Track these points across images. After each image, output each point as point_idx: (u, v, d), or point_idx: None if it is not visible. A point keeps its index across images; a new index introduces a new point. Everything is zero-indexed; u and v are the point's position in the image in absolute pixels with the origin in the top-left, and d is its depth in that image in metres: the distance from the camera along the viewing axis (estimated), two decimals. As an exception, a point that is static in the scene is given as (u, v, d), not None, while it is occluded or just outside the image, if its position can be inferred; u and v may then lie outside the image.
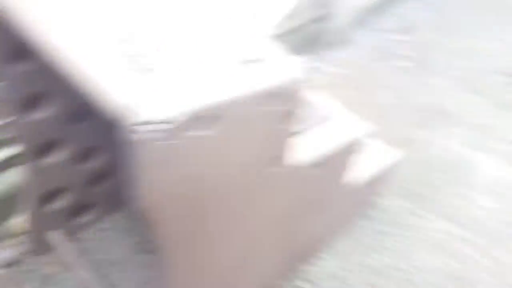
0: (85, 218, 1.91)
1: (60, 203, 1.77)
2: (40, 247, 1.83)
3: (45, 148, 1.59)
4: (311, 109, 1.62)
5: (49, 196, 1.73)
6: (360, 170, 1.85)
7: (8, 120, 1.51)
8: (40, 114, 1.50)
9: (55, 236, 1.82)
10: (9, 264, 1.80)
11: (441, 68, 3.38)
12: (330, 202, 1.73)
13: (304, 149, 1.39)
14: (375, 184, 1.97)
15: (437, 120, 2.92)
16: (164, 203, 0.93)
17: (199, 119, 0.82)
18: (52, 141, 1.59)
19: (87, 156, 1.71)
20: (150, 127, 0.77)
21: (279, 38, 2.69)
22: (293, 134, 1.37)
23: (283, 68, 0.99)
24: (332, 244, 2.09)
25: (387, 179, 2.13)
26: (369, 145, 2.04)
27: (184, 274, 1.17)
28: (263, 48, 1.04)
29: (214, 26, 1.10)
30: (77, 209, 1.86)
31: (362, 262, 2.05)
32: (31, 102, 1.46)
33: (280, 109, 1.07)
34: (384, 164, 1.95)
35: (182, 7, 1.14)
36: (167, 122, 0.77)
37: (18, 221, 1.87)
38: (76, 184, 1.77)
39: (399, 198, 2.34)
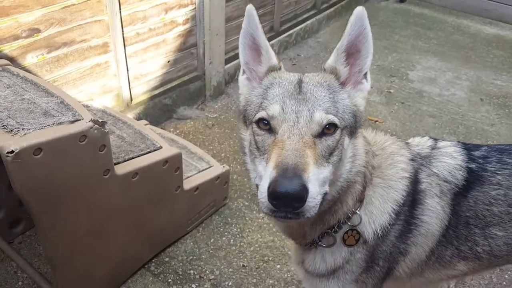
0: (17, 229, 2.79)
1: (-1, 218, 2.65)
2: (-12, 248, 2.70)
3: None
4: (145, 140, 2.56)
5: (-10, 214, 2.62)
6: (190, 181, 2.78)
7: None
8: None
9: (-3, 241, 2.69)
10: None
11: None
12: (164, 201, 2.61)
13: (131, 164, 2.31)
14: (204, 189, 2.86)
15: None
16: (28, 193, 1.84)
17: (30, 149, 1.73)
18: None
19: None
20: (9, 154, 1.69)
21: (165, 95, 3.68)
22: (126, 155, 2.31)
23: (85, 122, 1.93)
24: (192, 233, 2.99)
25: (215, 187, 2.97)
26: (202, 166, 2.96)
27: (54, 238, 2.05)
28: (79, 112, 1.99)
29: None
30: (11, 222, 2.75)
31: (211, 242, 2.93)
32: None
33: (96, 142, 2.00)
34: (209, 177, 2.87)
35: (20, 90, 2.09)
36: (14, 151, 1.68)
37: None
38: (8, 204, 2.65)
39: (239, 198, 3.26)
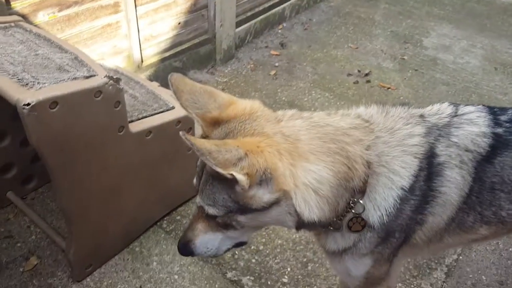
0: (29, 185, 2.85)
1: (11, 174, 2.70)
2: (2, 203, 2.77)
3: (-2, 137, 2.53)
4: (158, 100, 2.57)
5: (4, 170, 2.66)
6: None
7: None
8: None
9: (11, 196, 2.74)
10: (-17, 215, 2.73)
11: (304, 74, 4.34)
12: (176, 161, 2.63)
13: (145, 123, 2.34)
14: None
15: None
16: (44, 146, 1.87)
17: (46, 102, 1.75)
18: (1, 133, 2.52)
19: (26, 142, 2.62)
20: (26, 107, 1.71)
21: (176, 58, 3.67)
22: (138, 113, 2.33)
23: (100, 78, 1.94)
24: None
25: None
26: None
27: (69, 192, 2.09)
28: (94, 68, 2.00)
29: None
30: (24, 178, 2.80)
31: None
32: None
33: (111, 99, 2.01)
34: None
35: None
36: (30, 104, 1.70)
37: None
38: (20, 161, 2.70)
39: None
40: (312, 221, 1.36)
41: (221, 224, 1.43)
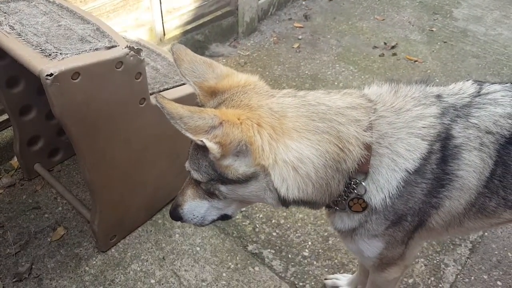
0: (55, 157, 2.92)
1: (38, 146, 2.77)
2: (30, 175, 2.85)
3: (23, 111, 2.58)
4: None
5: (31, 142, 2.73)
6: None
7: None
8: (18, 89, 2.48)
9: (38, 168, 2.82)
10: (11, 186, 2.82)
11: (328, 47, 4.26)
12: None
13: (166, 95, 2.34)
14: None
15: (309, 83, 3.80)
16: (66, 117, 1.90)
17: (68, 73, 1.77)
18: (28, 106, 2.58)
19: (52, 116, 2.67)
20: (49, 77, 1.73)
21: (198, 30, 3.64)
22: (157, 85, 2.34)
23: (122, 48, 1.94)
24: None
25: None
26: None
27: (92, 163, 2.13)
28: (115, 39, 2.00)
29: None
30: (50, 151, 2.87)
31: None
32: (11, 83, 2.45)
33: (132, 70, 2.02)
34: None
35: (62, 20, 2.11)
36: (53, 74, 1.72)
37: (15, 160, 2.89)
38: (46, 134, 2.76)
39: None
40: (293, 200, 1.35)
41: (206, 192, 1.47)
